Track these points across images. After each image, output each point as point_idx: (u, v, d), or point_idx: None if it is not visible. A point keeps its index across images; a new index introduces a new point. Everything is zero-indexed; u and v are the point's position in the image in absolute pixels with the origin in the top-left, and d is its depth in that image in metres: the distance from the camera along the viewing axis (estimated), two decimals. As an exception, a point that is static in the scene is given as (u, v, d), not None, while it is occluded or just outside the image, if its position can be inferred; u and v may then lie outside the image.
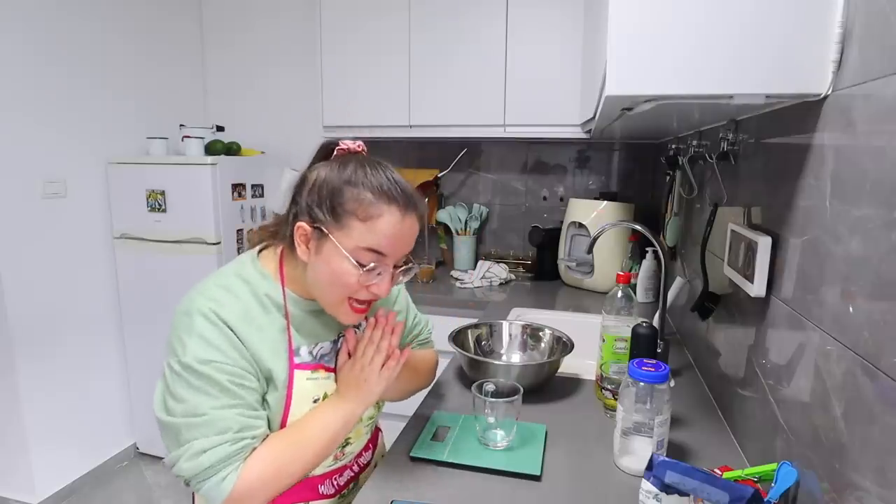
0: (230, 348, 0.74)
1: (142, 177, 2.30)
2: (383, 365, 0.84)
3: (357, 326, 0.90)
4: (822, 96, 0.70)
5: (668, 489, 0.67)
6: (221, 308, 0.75)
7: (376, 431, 1.06)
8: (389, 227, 0.75)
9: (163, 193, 2.28)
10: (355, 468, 0.95)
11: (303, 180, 0.80)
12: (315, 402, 0.83)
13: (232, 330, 0.75)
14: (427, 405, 1.12)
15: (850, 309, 0.60)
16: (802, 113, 0.75)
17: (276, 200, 2.57)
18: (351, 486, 0.94)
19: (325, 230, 0.75)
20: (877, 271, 0.55)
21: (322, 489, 0.89)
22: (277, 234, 0.84)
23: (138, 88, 2.50)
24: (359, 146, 0.82)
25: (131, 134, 2.47)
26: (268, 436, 0.77)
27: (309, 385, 0.82)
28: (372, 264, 0.75)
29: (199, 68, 2.85)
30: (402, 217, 0.76)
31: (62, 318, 2.22)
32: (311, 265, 0.78)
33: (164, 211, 2.29)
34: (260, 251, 0.86)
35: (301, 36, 2.64)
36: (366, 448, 0.98)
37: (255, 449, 0.74)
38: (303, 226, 0.76)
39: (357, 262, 0.75)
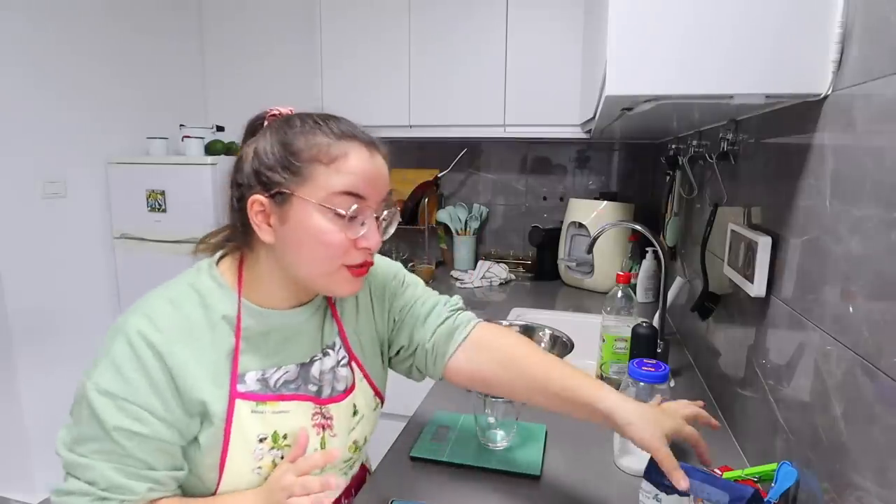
0: (143, 380, 0.62)
1: (142, 177, 2.30)
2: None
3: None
4: (822, 96, 0.70)
5: (667, 489, 0.67)
6: (154, 329, 0.64)
7: (362, 472, 0.93)
8: (359, 162, 0.65)
9: (163, 193, 2.28)
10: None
11: (238, 161, 0.69)
12: (261, 441, 0.69)
13: (157, 355, 0.63)
14: (427, 405, 1.12)
15: (850, 309, 0.60)
16: (802, 113, 0.75)
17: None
18: None
19: (286, 191, 0.64)
20: (877, 271, 0.55)
21: None
22: (231, 237, 0.73)
23: (138, 88, 2.50)
24: (290, 110, 0.72)
25: (131, 134, 2.47)
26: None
27: (252, 421, 0.68)
28: (353, 207, 0.65)
29: (199, 68, 2.85)
30: (369, 154, 0.67)
31: (62, 318, 2.22)
32: (280, 243, 0.66)
33: (164, 211, 2.29)
34: (220, 258, 0.74)
35: (301, 36, 2.63)
36: (346, 494, 0.85)
37: None
38: (258, 199, 0.65)
39: (336, 211, 0.64)
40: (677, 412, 0.74)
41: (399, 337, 0.86)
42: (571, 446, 0.97)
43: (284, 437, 0.71)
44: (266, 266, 0.70)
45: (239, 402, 0.67)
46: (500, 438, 0.94)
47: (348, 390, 0.79)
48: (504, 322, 1.41)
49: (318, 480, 0.64)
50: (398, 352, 0.87)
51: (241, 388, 0.68)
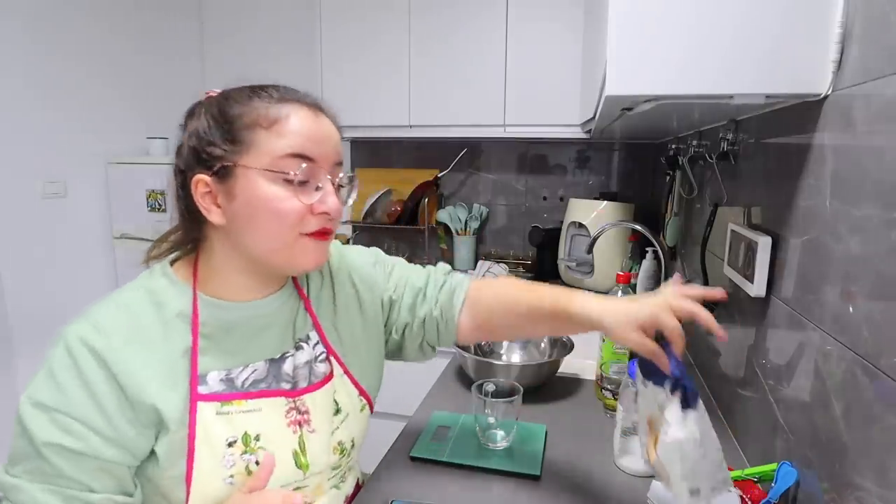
0: (81, 392, 0.57)
1: (142, 177, 2.30)
2: None
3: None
4: (822, 96, 0.70)
5: (654, 376, 0.65)
6: (97, 334, 0.59)
7: (356, 490, 0.86)
8: (303, 122, 0.62)
9: (163, 193, 2.28)
10: None
11: (178, 148, 0.66)
12: (230, 445, 0.63)
13: (100, 360, 0.58)
14: (427, 405, 1.12)
15: (850, 309, 0.60)
16: (802, 113, 0.75)
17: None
18: None
19: (229, 163, 0.60)
20: (877, 271, 0.55)
21: None
22: (183, 233, 0.69)
23: (138, 88, 2.50)
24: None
25: (131, 134, 2.47)
26: None
27: (218, 423, 0.62)
28: (303, 166, 0.61)
29: (199, 68, 2.85)
30: (313, 114, 0.64)
31: (62, 318, 2.20)
32: (232, 223, 0.62)
33: (164, 211, 2.29)
34: (175, 260, 0.70)
35: (301, 35, 2.63)
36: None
37: None
38: (201, 179, 0.61)
39: (284, 175, 0.60)
40: (665, 302, 0.65)
41: (401, 316, 0.84)
42: (571, 446, 0.97)
43: (257, 438, 0.65)
44: (222, 254, 0.65)
45: (201, 405, 0.62)
46: (500, 438, 0.94)
47: (325, 379, 0.73)
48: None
49: (280, 496, 0.59)
50: (404, 332, 0.84)
51: (202, 389, 0.62)
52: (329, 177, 0.64)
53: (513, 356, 1.36)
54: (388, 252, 0.91)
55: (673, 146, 1.69)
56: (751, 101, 0.75)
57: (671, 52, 0.72)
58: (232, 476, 0.63)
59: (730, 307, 1.08)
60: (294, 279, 0.76)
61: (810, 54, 0.68)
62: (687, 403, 0.62)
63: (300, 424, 0.69)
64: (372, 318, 0.82)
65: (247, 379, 0.67)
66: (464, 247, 2.45)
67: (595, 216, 2.06)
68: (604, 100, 0.83)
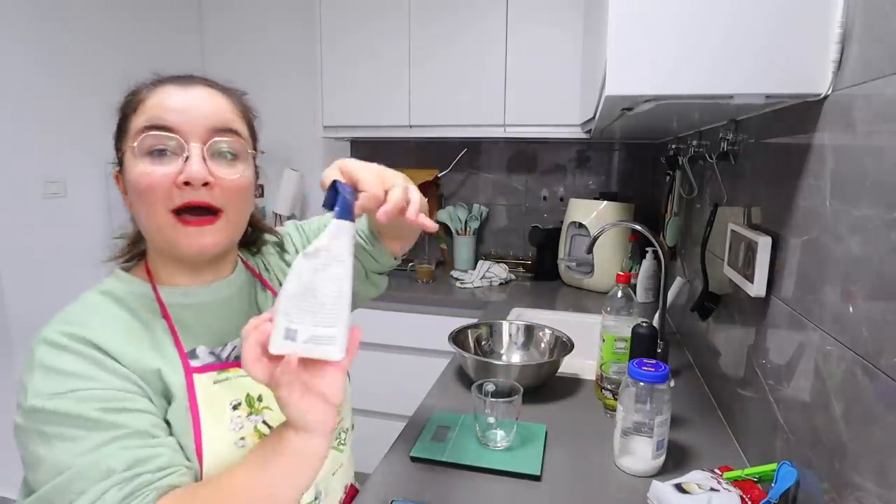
0: (95, 369, 0.56)
1: (142, 177, 2.30)
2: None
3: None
4: (822, 96, 0.70)
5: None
6: (72, 325, 0.58)
7: (352, 491, 0.88)
8: (164, 96, 0.62)
9: (163, 193, 2.28)
10: None
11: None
12: (235, 408, 0.64)
13: (95, 346, 0.57)
14: (427, 405, 1.12)
15: (850, 309, 0.60)
16: (802, 113, 0.75)
17: (277, 200, 2.57)
18: None
19: (119, 152, 0.64)
20: (877, 271, 0.55)
21: None
22: (136, 238, 0.72)
23: (138, 88, 2.50)
24: None
25: (131, 134, 2.47)
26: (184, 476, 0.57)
27: (218, 390, 0.64)
28: (155, 136, 0.60)
29: (198, 68, 2.84)
30: (179, 88, 0.63)
31: (62, 318, 2.22)
32: (131, 204, 0.64)
33: (164, 211, 2.29)
34: (126, 269, 0.71)
35: (301, 36, 2.63)
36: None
37: (171, 487, 0.55)
38: (115, 172, 0.66)
39: (142, 150, 0.60)
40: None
41: None
42: (571, 446, 0.97)
43: (259, 399, 0.66)
44: (151, 246, 0.67)
45: (197, 377, 0.63)
46: (500, 438, 0.94)
47: None
48: (504, 322, 1.41)
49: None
50: None
51: (194, 363, 0.63)
52: (199, 144, 0.61)
53: (513, 356, 1.36)
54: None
55: (673, 146, 1.69)
56: (751, 101, 0.75)
57: (671, 52, 0.72)
58: (243, 438, 0.64)
59: (730, 307, 1.09)
60: (243, 260, 0.77)
61: (810, 54, 0.68)
62: (340, 213, 0.54)
63: None
64: None
65: (230, 354, 0.68)
66: (464, 247, 2.45)
67: (595, 216, 2.06)
68: (604, 100, 0.83)
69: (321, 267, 0.52)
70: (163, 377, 0.60)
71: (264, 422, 0.66)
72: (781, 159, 0.84)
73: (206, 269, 0.69)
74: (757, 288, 0.85)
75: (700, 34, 0.71)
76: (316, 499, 0.74)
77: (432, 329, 1.92)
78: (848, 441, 0.59)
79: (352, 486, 0.90)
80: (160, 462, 0.55)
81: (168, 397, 0.61)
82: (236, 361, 0.67)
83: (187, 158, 0.60)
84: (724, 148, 1.10)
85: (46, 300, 2.14)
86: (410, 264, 2.37)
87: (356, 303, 0.83)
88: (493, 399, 0.94)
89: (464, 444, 0.95)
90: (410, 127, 2.22)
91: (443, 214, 2.45)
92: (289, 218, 2.61)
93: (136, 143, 0.60)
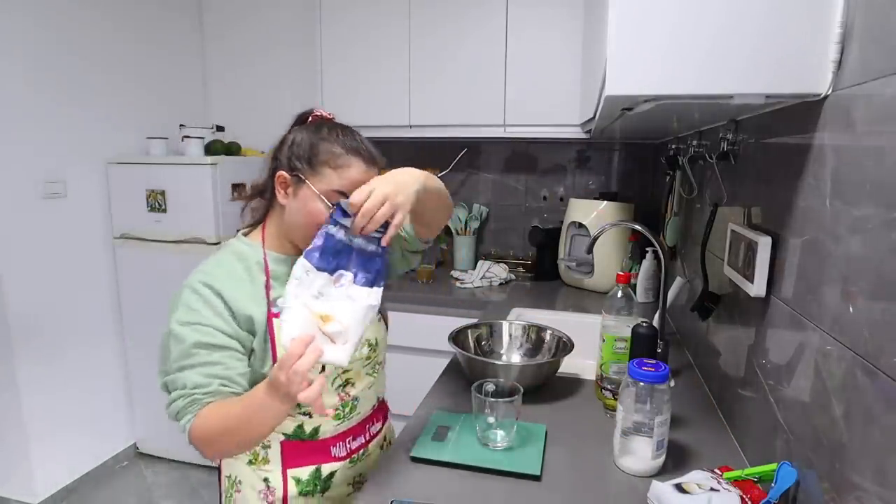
0: (207, 308, 0.84)
1: (142, 177, 2.30)
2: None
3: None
4: (822, 96, 0.70)
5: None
6: (208, 277, 0.86)
7: (385, 405, 1.11)
8: (356, 174, 0.87)
9: (163, 193, 2.28)
10: (367, 436, 1.01)
11: (282, 141, 0.92)
12: None
13: (214, 291, 0.85)
14: (427, 405, 1.12)
15: (850, 309, 0.60)
16: (802, 113, 0.75)
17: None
18: (361, 452, 0.99)
19: (302, 177, 0.87)
20: (877, 271, 0.55)
21: (334, 451, 0.95)
22: (263, 191, 0.95)
23: (138, 88, 2.50)
24: (330, 114, 0.96)
25: (131, 134, 2.47)
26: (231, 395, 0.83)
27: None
28: (339, 199, 0.85)
29: (199, 68, 2.85)
30: (366, 169, 0.89)
31: (62, 318, 2.22)
32: (288, 209, 0.89)
33: (164, 211, 2.29)
34: (246, 234, 0.97)
35: (301, 36, 2.64)
36: (375, 417, 1.05)
37: (209, 404, 0.81)
38: (283, 174, 0.88)
39: (328, 203, 0.86)
40: None
41: None
42: (571, 446, 0.97)
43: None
44: (278, 224, 0.93)
45: (275, 321, 0.87)
46: (500, 438, 0.94)
47: None
48: (504, 322, 1.41)
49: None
50: None
51: (275, 309, 0.88)
52: None
53: (513, 356, 1.36)
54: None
55: (673, 146, 1.69)
56: (751, 101, 0.75)
57: (671, 53, 0.72)
58: None
59: (730, 307, 1.09)
60: None
61: (810, 54, 0.68)
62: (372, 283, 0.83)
63: None
64: None
65: None
66: (464, 247, 2.45)
67: (595, 216, 2.06)
68: (604, 100, 0.83)
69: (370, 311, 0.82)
70: (253, 319, 0.86)
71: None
72: (781, 159, 0.84)
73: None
74: (757, 288, 0.85)
75: (700, 34, 0.71)
76: (355, 401, 0.97)
77: (432, 329, 1.92)
78: (848, 441, 0.59)
79: (382, 400, 1.10)
80: (212, 388, 0.81)
81: (253, 332, 0.87)
82: None
83: None
84: (724, 148, 1.10)
85: (46, 300, 2.16)
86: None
87: (394, 273, 1.10)
88: (493, 399, 0.94)
89: (464, 444, 0.95)
90: (410, 127, 2.22)
91: (443, 214, 2.45)
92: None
93: (324, 191, 0.86)
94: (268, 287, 0.90)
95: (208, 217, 2.23)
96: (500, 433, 0.94)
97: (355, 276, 0.82)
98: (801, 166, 0.75)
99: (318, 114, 0.95)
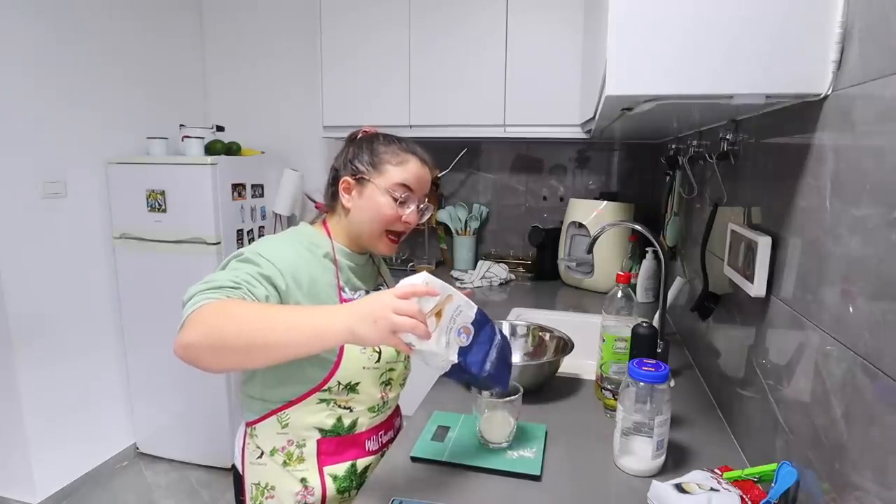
0: (283, 263, 0.88)
1: (142, 177, 2.30)
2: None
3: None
4: (822, 96, 0.70)
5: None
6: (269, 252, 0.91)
7: (397, 408, 1.16)
8: (416, 168, 1.00)
9: (163, 193, 2.28)
10: (394, 431, 1.10)
11: (340, 155, 1.04)
12: None
13: (277, 268, 0.88)
14: (427, 405, 1.12)
15: (850, 309, 0.60)
16: (802, 113, 0.75)
17: (277, 200, 2.57)
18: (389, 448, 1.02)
19: (366, 177, 0.97)
20: (877, 271, 0.55)
21: (368, 445, 1.01)
22: (327, 206, 1.05)
23: (138, 88, 2.50)
24: (375, 129, 1.06)
25: (131, 134, 2.47)
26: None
27: None
28: (405, 194, 0.97)
29: (199, 68, 2.85)
30: (422, 164, 1.01)
31: (62, 318, 2.22)
32: (354, 209, 0.99)
33: (164, 211, 2.29)
34: (310, 223, 1.06)
35: (301, 36, 2.64)
36: (396, 414, 1.13)
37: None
38: (347, 179, 0.99)
39: (393, 195, 0.96)
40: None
41: None
42: (571, 446, 0.97)
43: None
44: (343, 224, 1.02)
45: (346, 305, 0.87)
46: (501, 438, 0.94)
47: None
48: (504, 322, 1.41)
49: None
50: None
51: (345, 295, 0.97)
52: (417, 203, 1.01)
53: (513, 356, 1.35)
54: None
55: (673, 146, 1.69)
56: (751, 101, 0.75)
57: (671, 52, 0.72)
58: (365, 349, 0.96)
59: (730, 307, 1.09)
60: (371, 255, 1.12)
61: (810, 54, 0.68)
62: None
63: None
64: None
65: (359, 296, 1.01)
66: (464, 247, 2.45)
67: (595, 216, 2.07)
68: (604, 100, 0.83)
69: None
70: (325, 302, 0.93)
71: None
72: (781, 159, 0.84)
73: (364, 251, 1.06)
74: (757, 288, 0.85)
75: (700, 34, 0.71)
76: (388, 384, 1.03)
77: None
78: (848, 441, 0.59)
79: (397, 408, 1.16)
80: (234, 294, 0.81)
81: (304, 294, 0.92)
82: None
83: (409, 207, 1.00)
84: (724, 148, 1.10)
85: (46, 300, 2.15)
86: (410, 265, 2.38)
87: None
88: (494, 399, 0.94)
89: (464, 444, 0.95)
90: (410, 127, 2.23)
91: (443, 214, 2.45)
92: (289, 218, 2.61)
93: (388, 185, 0.97)
94: (338, 278, 0.98)
95: (208, 217, 2.23)
96: (500, 433, 0.94)
97: (468, 340, 0.83)
98: (800, 166, 0.75)
99: (367, 130, 1.06)
